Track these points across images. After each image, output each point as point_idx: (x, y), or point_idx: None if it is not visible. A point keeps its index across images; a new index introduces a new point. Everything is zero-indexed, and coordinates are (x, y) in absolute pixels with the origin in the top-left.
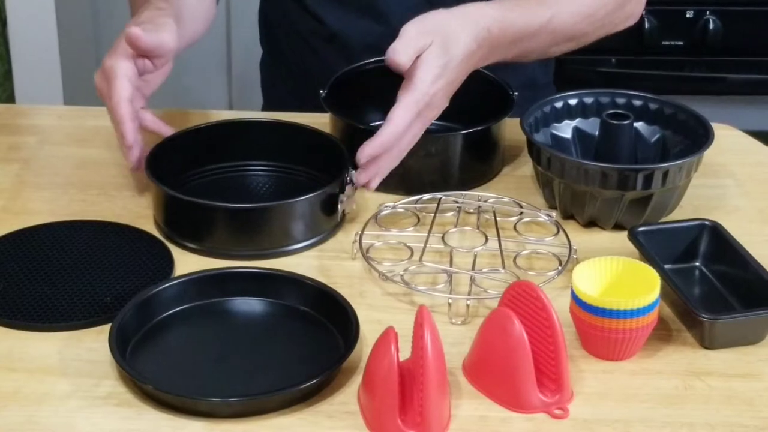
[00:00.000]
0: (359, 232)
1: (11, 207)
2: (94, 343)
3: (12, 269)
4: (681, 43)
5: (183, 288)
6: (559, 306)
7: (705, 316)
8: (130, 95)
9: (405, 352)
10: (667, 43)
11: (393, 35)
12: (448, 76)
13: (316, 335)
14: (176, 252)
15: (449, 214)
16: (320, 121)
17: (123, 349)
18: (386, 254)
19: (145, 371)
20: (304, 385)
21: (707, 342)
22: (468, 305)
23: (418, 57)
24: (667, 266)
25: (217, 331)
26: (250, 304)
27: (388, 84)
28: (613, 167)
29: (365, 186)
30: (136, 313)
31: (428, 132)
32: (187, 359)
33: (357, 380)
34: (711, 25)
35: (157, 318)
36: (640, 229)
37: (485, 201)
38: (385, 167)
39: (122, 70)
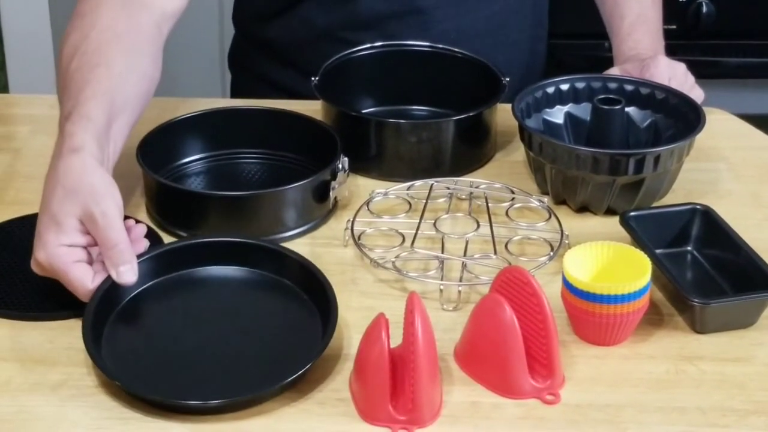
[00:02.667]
0: (351, 219)
1: (3, 197)
2: None
3: (3, 259)
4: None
5: (149, 264)
6: (551, 291)
7: (696, 300)
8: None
9: (398, 339)
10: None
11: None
12: None
13: (296, 312)
14: (168, 240)
15: (441, 200)
16: (312, 108)
17: (98, 340)
18: (378, 241)
19: (122, 363)
20: (280, 384)
21: (699, 326)
22: (459, 291)
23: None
24: (658, 251)
25: (197, 310)
26: (229, 272)
27: (380, 71)
28: (605, 152)
29: None
30: (107, 296)
31: (419, 118)
32: (164, 342)
33: (348, 367)
34: (704, 9)
35: (128, 298)
36: (632, 213)
37: (477, 187)
38: None
39: (67, 257)
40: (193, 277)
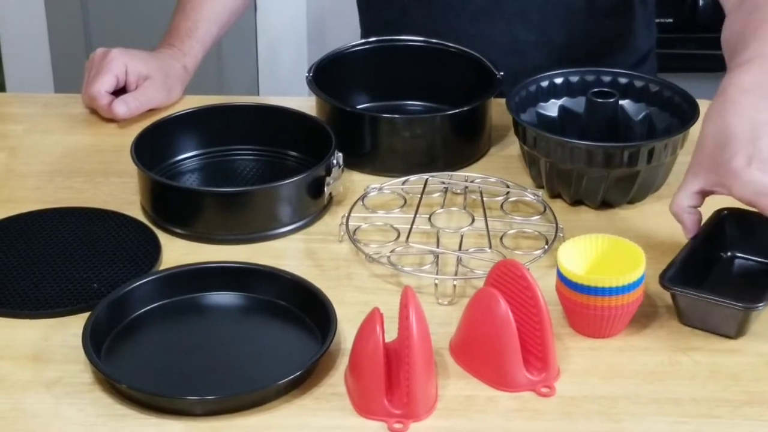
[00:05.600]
0: (346, 215)
1: None
2: (80, 329)
3: None
4: (671, 20)
5: (158, 284)
6: (546, 284)
7: (671, 287)
8: (110, 88)
9: (394, 333)
10: (657, 20)
11: None
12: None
13: (294, 329)
14: (163, 237)
15: (436, 194)
16: (307, 104)
17: (98, 348)
18: (373, 236)
19: (121, 369)
20: (269, 387)
21: (677, 315)
22: (455, 285)
23: None
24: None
25: (195, 327)
26: (227, 299)
27: (374, 66)
28: (599, 145)
29: None
30: (111, 310)
31: (414, 113)
32: (165, 356)
33: (344, 362)
34: (701, 2)
35: (133, 315)
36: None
37: (472, 181)
38: None
39: (116, 69)
40: (191, 303)
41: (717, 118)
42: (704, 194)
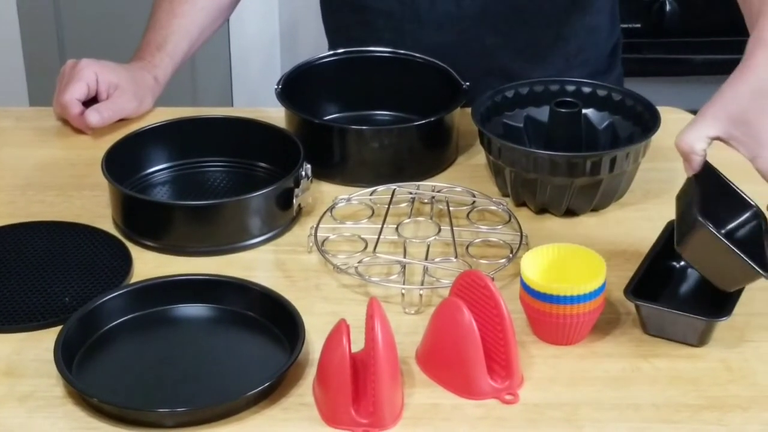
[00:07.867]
0: (314, 226)
1: None
2: (52, 343)
3: None
4: (638, 25)
5: (129, 298)
6: (511, 293)
7: (639, 301)
8: (82, 96)
9: (362, 343)
10: (624, 26)
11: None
12: None
13: (264, 340)
14: (134, 250)
15: (403, 204)
16: (279, 114)
17: (69, 362)
18: (341, 246)
19: (93, 383)
20: (238, 398)
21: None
22: (421, 295)
23: None
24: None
25: (165, 340)
26: (197, 311)
27: (343, 77)
28: (562, 155)
29: None
30: (82, 324)
31: (383, 123)
32: (136, 369)
33: (312, 372)
34: (668, 7)
35: (104, 328)
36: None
37: (439, 191)
38: None
39: (87, 77)
40: (162, 316)
41: (766, 68)
42: (716, 139)
